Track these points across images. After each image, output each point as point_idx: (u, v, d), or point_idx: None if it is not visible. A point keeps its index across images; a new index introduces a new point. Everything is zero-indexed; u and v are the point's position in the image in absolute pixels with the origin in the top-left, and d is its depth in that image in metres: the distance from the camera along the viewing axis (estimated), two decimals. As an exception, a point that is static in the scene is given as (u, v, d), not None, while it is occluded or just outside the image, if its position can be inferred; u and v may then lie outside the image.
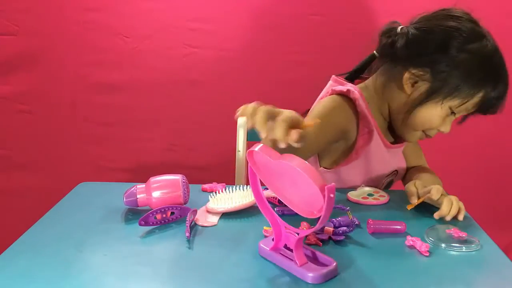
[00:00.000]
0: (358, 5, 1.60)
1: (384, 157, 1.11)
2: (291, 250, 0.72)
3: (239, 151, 1.38)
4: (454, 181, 1.66)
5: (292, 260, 0.71)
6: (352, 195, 1.00)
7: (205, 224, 0.87)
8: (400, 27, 1.06)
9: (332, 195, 0.61)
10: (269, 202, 0.76)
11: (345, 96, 1.06)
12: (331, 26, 1.60)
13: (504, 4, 1.59)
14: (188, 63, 1.65)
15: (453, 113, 1.02)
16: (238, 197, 0.93)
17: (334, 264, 0.70)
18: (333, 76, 1.15)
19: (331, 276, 0.69)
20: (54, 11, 1.62)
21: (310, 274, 0.68)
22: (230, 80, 1.67)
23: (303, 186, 0.64)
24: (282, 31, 1.61)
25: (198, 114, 1.69)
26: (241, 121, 1.40)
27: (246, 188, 0.96)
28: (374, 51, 1.13)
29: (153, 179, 0.92)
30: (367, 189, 1.03)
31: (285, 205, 0.73)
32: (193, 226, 0.86)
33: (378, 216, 0.88)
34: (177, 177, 0.92)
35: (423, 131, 1.07)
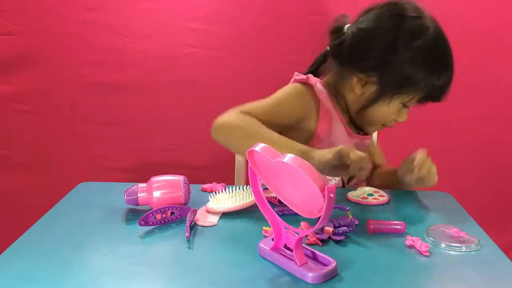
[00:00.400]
0: (358, 5, 1.60)
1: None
2: (291, 250, 0.72)
3: (239, 151, 1.38)
4: (454, 181, 1.67)
5: (292, 260, 0.71)
6: (352, 195, 1.00)
7: (205, 224, 0.87)
8: (347, 26, 1.08)
9: (332, 195, 0.61)
10: (269, 202, 0.76)
11: (305, 83, 1.10)
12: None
13: None
14: (188, 63, 1.66)
15: (405, 105, 1.05)
16: (238, 197, 0.93)
17: (334, 264, 0.70)
18: (295, 72, 1.16)
19: (331, 276, 0.69)
20: (54, 11, 1.62)
21: (310, 274, 0.68)
22: (230, 80, 1.67)
23: (303, 186, 0.64)
24: (282, 31, 1.61)
25: (198, 114, 1.69)
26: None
27: (246, 188, 0.95)
28: (328, 47, 1.14)
29: (154, 178, 0.92)
30: (367, 189, 1.04)
31: (285, 205, 0.73)
32: (193, 226, 0.86)
33: (378, 216, 0.88)
34: (179, 177, 0.93)
35: (382, 125, 1.10)
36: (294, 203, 0.71)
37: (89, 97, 1.69)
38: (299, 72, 1.15)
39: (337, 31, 1.09)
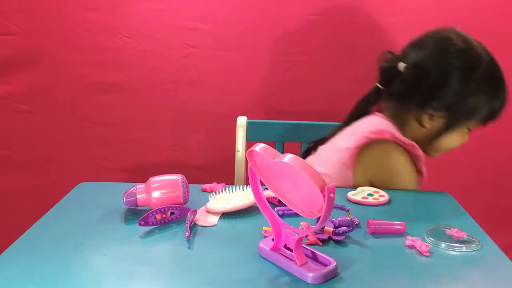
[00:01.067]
0: (358, 5, 1.60)
1: None
2: (291, 250, 0.72)
3: (239, 151, 1.38)
4: (455, 181, 1.67)
5: (292, 260, 0.71)
6: (352, 195, 1.00)
7: (205, 224, 0.87)
8: (402, 65, 1.09)
9: (332, 195, 0.61)
10: (269, 202, 0.76)
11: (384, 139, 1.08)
12: (331, 26, 1.60)
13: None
14: (188, 63, 1.66)
15: (469, 129, 1.10)
16: (238, 197, 0.93)
17: (334, 264, 0.70)
18: (369, 131, 1.11)
19: (331, 276, 0.69)
20: (54, 11, 1.62)
21: (310, 274, 0.68)
22: (230, 80, 1.67)
23: (303, 186, 0.64)
24: (282, 31, 1.61)
25: (198, 114, 1.69)
26: (241, 120, 1.40)
27: (246, 188, 0.95)
28: (377, 84, 1.16)
29: (152, 179, 0.92)
30: (367, 188, 1.03)
31: (285, 205, 0.73)
32: (193, 226, 0.86)
33: (378, 216, 0.88)
34: (177, 177, 0.92)
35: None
36: (294, 203, 0.71)
37: (89, 97, 1.69)
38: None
39: (390, 69, 1.11)
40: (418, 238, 0.80)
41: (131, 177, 1.70)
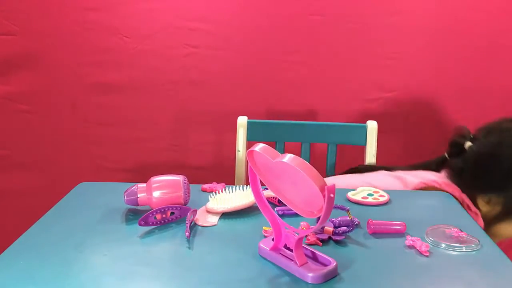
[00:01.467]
0: (358, 5, 1.60)
1: None
2: (291, 250, 0.72)
3: (239, 151, 1.38)
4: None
5: (292, 260, 0.71)
6: (352, 195, 1.00)
7: (205, 224, 0.87)
8: (468, 144, 1.11)
9: (332, 195, 0.61)
10: (269, 202, 0.76)
11: None
12: (331, 26, 1.60)
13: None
14: (188, 63, 1.65)
15: None
16: (238, 197, 0.93)
17: (334, 264, 0.70)
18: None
19: (331, 276, 0.69)
20: (54, 11, 1.61)
21: (310, 274, 0.68)
22: (230, 80, 1.67)
23: (303, 186, 0.64)
24: (282, 31, 1.61)
25: (198, 114, 1.69)
26: (241, 120, 1.40)
27: (246, 188, 0.96)
28: (446, 154, 1.17)
29: (154, 178, 0.92)
30: (367, 189, 1.03)
31: (285, 205, 0.73)
32: (193, 226, 0.86)
33: (378, 216, 0.88)
34: (178, 177, 0.92)
35: None
36: (294, 203, 0.71)
37: (89, 97, 1.69)
38: None
39: (457, 145, 1.12)
40: (418, 238, 0.80)
41: (131, 177, 1.70)
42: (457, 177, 1.11)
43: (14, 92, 1.68)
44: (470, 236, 0.82)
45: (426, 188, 1.08)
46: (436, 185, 1.07)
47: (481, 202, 1.09)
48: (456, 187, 1.08)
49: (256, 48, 1.64)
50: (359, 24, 1.60)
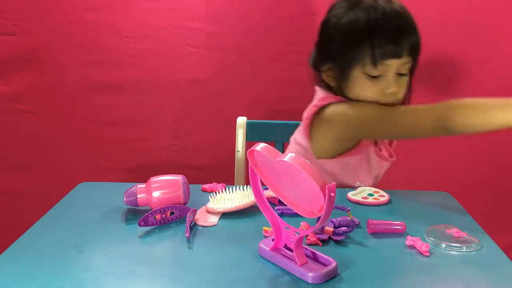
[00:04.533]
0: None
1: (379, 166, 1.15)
2: (291, 250, 0.72)
3: (239, 151, 1.38)
4: (455, 181, 1.67)
5: (292, 260, 0.71)
6: (352, 195, 1.00)
7: (205, 224, 0.87)
8: None
9: (332, 194, 0.61)
10: (269, 202, 0.76)
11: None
12: (331, 26, 1.59)
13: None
14: (188, 63, 1.66)
15: (374, 77, 1.04)
16: (238, 197, 0.93)
17: (334, 264, 0.70)
18: (318, 88, 1.18)
19: (331, 276, 0.69)
20: (54, 11, 1.62)
21: (310, 274, 0.68)
22: (230, 80, 1.67)
23: (303, 185, 0.64)
24: (282, 31, 1.61)
25: (198, 114, 1.69)
26: (241, 121, 1.40)
27: (246, 188, 0.95)
28: None
29: (153, 179, 0.92)
30: (367, 189, 1.03)
31: (285, 205, 0.73)
32: (193, 226, 0.86)
33: (378, 216, 0.88)
34: (178, 177, 0.92)
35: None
36: (295, 203, 0.71)
37: (89, 97, 1.69)
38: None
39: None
40: (418, 238, 0.80)
41: (131, 177, 1.70)
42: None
43: (14, 92, 1.68)
44: (470, 236, 0.82)
45: (315, 113, 1.11)
46: (316, 108, 1.10)
47: (329, 80, 1.11)
48: (330, 96, 1.11)
49: (256, 48, 1.64)
50: (359, 24, 1.60)
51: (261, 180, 0.73)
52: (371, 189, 1.03)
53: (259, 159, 0.71)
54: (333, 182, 0.62)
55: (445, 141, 1.72)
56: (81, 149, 1.73)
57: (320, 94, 1.15)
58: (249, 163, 0.71)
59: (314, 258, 0.73)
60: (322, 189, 0.61)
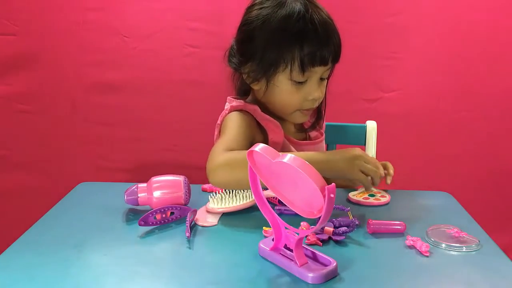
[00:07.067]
0: (358, 5, 1.60)
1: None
2: (291, 250, 0.72)
3: (239, 151, 1.38)
4: (455, 181, 1.67)
5: (292, 260, 0.71)
6: (353, 195, 1.00)
7: (205, 224, 0.87)
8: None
9: (332, 195, 0.61)
10: (269, 202, 0.76)
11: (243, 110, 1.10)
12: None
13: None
14: (188, 63, 1.65)
15: (299, 82, 1.03)
16: (238, 197, 0.93)
17: (334, 264, 0.70)
18: (228, 97, 1.19)
19: (331, 276, 0.69)
20: (54, 11, 1.62)
21: (310, 274, 0.68)
22: (230, 80, 1.66)
23: (303, 186, 0.64)
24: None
25: (199, 114, 1.69)
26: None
27: (246, 188, 0.95)
28: None
29: (154, 178, 0.92)
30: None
31: (285, 205, 0.73)
32: (193, 226, 0.86)
33: (378, 216, 0.88)
34: (179, 177, 0.93)
35: (298, 109, 1.07)
36: (294, 204, 0.71)
37: (89, 97, 1.69)
38: None
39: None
40: (418, 238, 0.80)
41: (131, 177, 1.70)
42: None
43: (14, 92, 1.68)
44: (470, 236, 0.82)
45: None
46: (225, 115, 1.12)
47: (249, 81, 1.10)
48: (232, 99, 1.14)
49: (256, 48, 1.63)
50: (359, 24, 1.60)
51: (261, 181, 0.73)
52: (372, 189, 1.03)
53: (258, 159, 0.71)
54: (333, 183, 0.62)
55: (445, 142, 1.73)
56: (81, 149, 1.73)
57: (229, 100, 1.16)
58: (249, 164, 0.71)
59: (314, 258, 0.73)
60: (322, 190, 0.61)
